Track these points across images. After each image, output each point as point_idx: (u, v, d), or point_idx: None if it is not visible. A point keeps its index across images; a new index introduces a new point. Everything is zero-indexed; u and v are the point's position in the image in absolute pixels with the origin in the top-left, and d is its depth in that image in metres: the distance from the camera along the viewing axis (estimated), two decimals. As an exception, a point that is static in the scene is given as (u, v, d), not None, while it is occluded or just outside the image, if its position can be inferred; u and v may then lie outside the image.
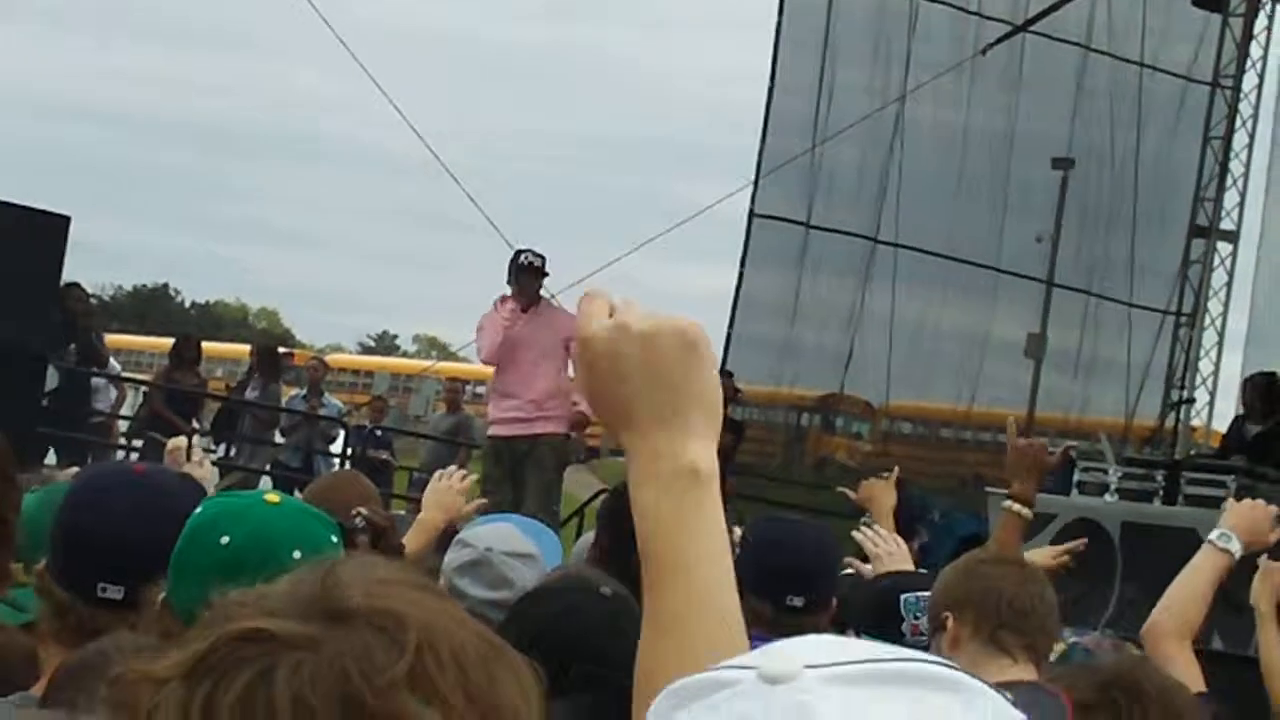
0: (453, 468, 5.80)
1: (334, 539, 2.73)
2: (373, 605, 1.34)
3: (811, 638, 1.29)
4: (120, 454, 17.46)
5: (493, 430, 12.73)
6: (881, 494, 6.24)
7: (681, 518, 1.80)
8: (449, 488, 5.51)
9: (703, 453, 1.82)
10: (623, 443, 1.84)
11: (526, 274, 12.23)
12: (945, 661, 1.25)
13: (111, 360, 18.85)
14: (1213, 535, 4.89)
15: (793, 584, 4.63)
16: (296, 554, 2.65)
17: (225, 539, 2.66)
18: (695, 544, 1.79)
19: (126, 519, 3.02)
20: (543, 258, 12.49)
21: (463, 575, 4.63)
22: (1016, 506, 5.69)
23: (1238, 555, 4.88)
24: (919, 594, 4.58)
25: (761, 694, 1.22)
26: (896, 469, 6.56)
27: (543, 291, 12.56)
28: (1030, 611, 4.10)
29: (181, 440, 5.35)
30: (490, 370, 12.73)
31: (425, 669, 1.32)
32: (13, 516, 3.23)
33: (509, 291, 12.27)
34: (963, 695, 1.23)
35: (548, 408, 12.42)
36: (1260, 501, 5.10)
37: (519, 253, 12.46)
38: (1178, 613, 4.74)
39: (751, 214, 18.51)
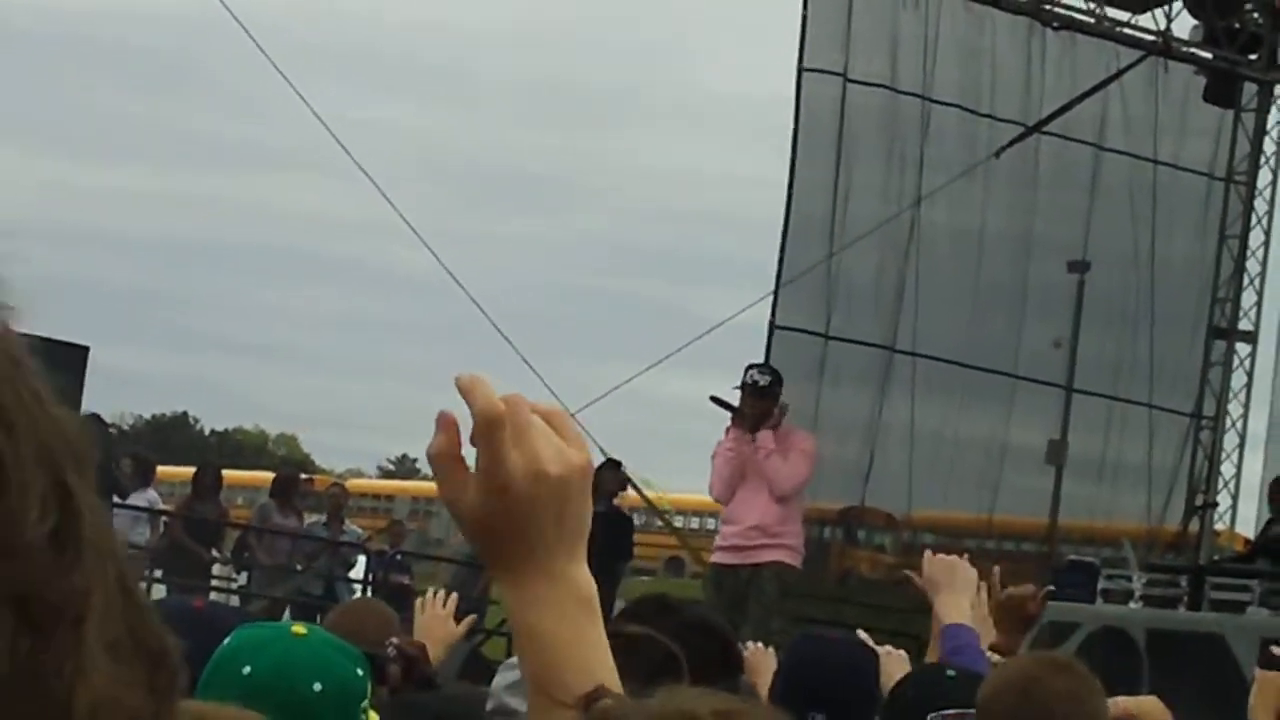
0: (430, 592, 5.60)
1: (359, 671, 2.72)
2: None
3: None
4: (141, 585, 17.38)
5: (714, 557, 12.06)
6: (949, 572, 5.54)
7: (582, 644, 1.83)
8: (434, 616, 5.38)
9: (589, 579, 1.86)
10: (513, 572, 1.84)
11: (749, 395, 11.39)
12: None
13: (152, 491, 18.71)
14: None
15: (815, 702, 4.59)
16: (317, 686, 2.64)
17: (247, 669, 2.66)
18: (595, 671, 1.83)
19: (187, 653, 3.01)
20: (772, 375, 11.66)
21: (513, 693, 4.69)
22: (995, 659, 5.32)
23: None
24: (944, 714, 4.33)
25: None
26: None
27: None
28: None
29: None
30: None
31: None
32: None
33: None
34: None
35: (775, 534, 11.60)
36: None
37: (746, 369, 11.68)
38: None
39: (772, 325, 18.29)
